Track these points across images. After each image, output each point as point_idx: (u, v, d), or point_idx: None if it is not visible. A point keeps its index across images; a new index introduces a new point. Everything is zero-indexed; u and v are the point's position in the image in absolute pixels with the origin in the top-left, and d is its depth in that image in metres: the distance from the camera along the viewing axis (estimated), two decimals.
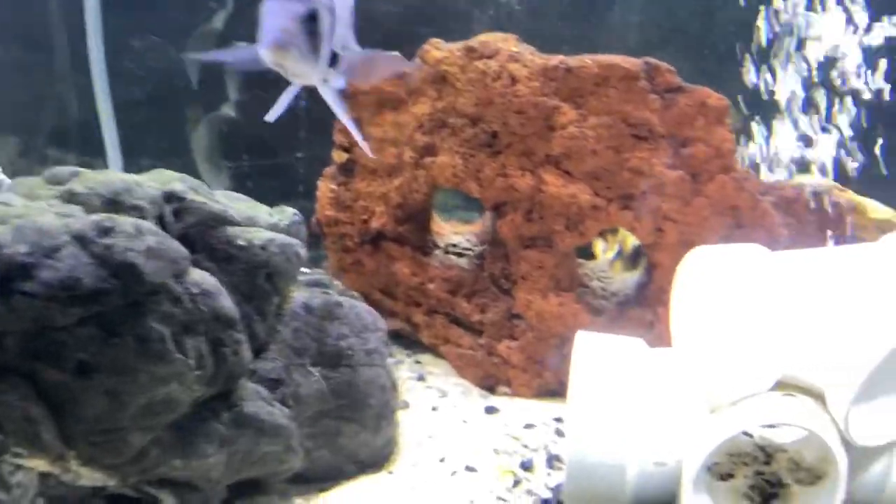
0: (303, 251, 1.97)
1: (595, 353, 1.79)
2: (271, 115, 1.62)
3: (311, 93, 1.57)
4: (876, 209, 2.47)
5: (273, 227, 1.98)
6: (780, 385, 1.62)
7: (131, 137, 3.58)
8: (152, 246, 1.63)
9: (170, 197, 1.80)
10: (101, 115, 3.39)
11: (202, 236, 1.83)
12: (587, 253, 2.88)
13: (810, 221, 2.35)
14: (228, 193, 2.04)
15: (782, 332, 1.60)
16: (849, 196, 2.48)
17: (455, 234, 2.80)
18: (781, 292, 1.61)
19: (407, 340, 2.68)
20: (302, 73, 1.41)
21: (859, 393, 1.54)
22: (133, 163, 3.49)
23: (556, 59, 2.32)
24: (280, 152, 3.70)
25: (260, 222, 1.95)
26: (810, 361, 1.59)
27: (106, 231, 1.59)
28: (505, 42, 2.39)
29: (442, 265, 2.59)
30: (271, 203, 2.10)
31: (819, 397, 1.60)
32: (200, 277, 1.71)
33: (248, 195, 2.08)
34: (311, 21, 1.35)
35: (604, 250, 3.01)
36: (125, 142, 3.56)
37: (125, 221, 1.62)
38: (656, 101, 2.29)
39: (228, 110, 3.63)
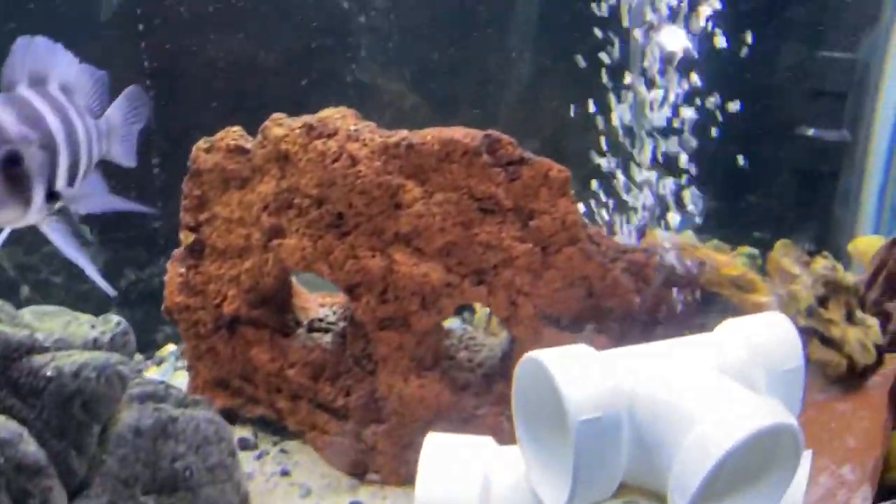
0: (127, 368, 1.78)
1: (440, 458, 1.65)
2: None
3: None
4: (729, 265, 2.43)
5: (92, 344, 1.78)
6: (623, 490, 1.52)
7: None
8: None
9: None
10: None
11: (4, 370, 1.62)
12: None
13: (662, 286, 2.28)
14: (39, 309, 1.83)
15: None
16: (702, 253, 2.42)
17: (322, 306, 2.64)
18: (612, 398, 1.50)
19: (274, 426, 2.50)
20: (9, 222, 1.24)
21: (696, 495, 1.44)
22: None
23: (397, 137, 2.20)
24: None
25: (75, 342, 1.75)
26: (648, 467, 1.49)
27: None
28: (344, 119, 2.25)
29: (303, 347, 2.43)
30: None
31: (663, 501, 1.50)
32: None
33: None
34: (11, 164, 1.17)
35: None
36: None
37: None
38: (500, 174, 2.19)
39: None
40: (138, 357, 3.11)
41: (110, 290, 1.51)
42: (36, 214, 1.28)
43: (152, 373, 2.94)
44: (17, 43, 1.35)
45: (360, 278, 2.21)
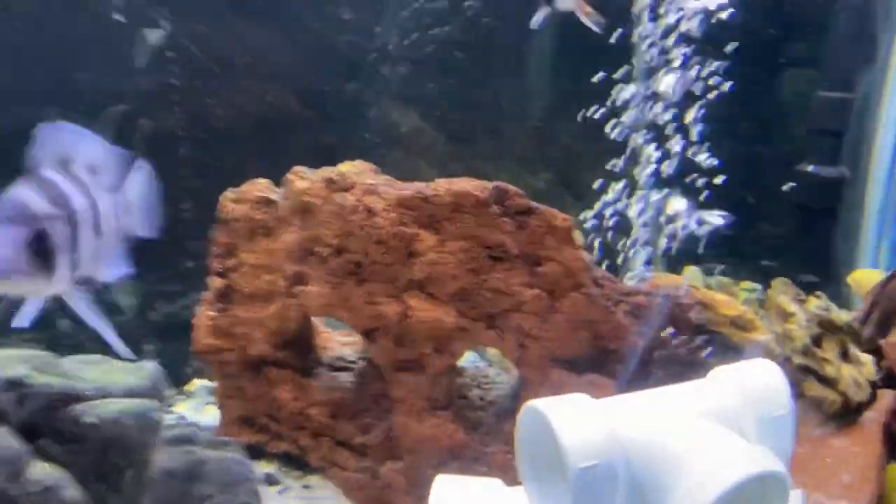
0: (161, 414, 1.88)
1: (447, 501, 1.72)
2: (18, 322, 1.54)
3: None
4: (728, 305, 2.49)
5: (130, 392, 1.88)
6: None
7: None
8: None
9: (10, 385, 1.69)
10: None
11: (48, 419, 1.72)
12: None
13: (663, 327, 2.34)
14: (82, 358, 1.94)
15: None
16: (702, 294, 2.49)
17: (343, 345, 2.73)
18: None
19: (297, 461, 2.58)
20: (36, 292, 1.34)
21: None
22: None
23: (411, 189, 2.30)
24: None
25: (114, 390, 1.85)
26: None
27: None
28: (362, 173, 2.35)
29: (325, 387, 2.52)
30: None
31: None
32: (42, 472, 1.61)
33: None
34: (37, 240, 1.28)
35: None
36: None
37: None
38: (508, 223, 2.28)
39: None
40: (169, 392, 3.21)
41: (131, 355, 1.61)
42: (61, 285, 1.38)
43: (183, 408, 3.04)
44: (41, 129, 1.46)
45: (377, 323, 2.30)
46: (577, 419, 1.56)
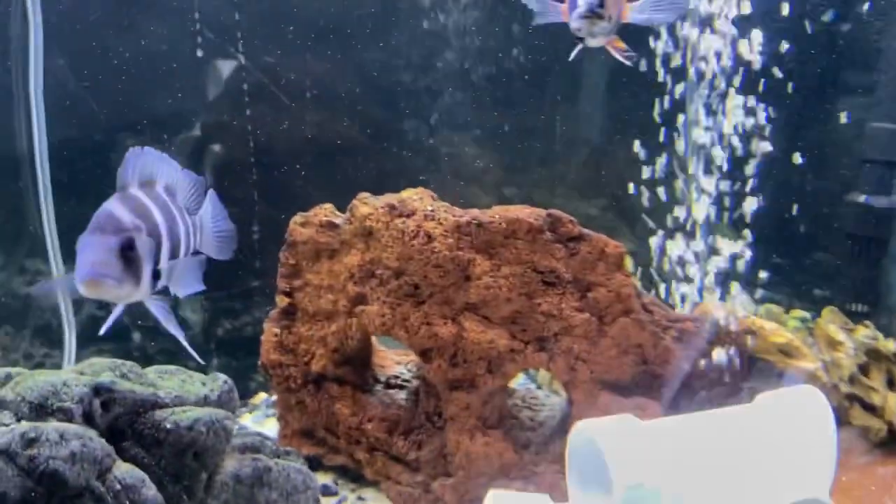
0: (232, 422, 1.99)
1: None
2: (104, 330, 1.68)
3: None
4: (776, 333, 2.51)
5: (203, 401, 1.99)
6: None
7: None
8: (75, 451, 1.64)
9: (98, 390, 1.82)
10: None
11: (130, 424, 1.84)
12: None
13: (711, 353, 2.38)
14: (161, 369, 2.06)
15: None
16: (750, 322, 2.51)
17: (398, 364, 2.82)
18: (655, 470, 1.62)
19: (353, 473, 2.67)
20: (123, 297, 1.47)
21: None
22: None
23: (468, 216, 2.38)
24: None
25: (189, 399, 1.96)
26: None
27: (30, 442, 1.61)
28: (421, 200, 2.45)
29: (381, 403, 2.60)
30: None
31: None
32: (125, 472, 1.72)
33: None
34: (127, 249, 1.41)
35: None
36: None
37: (49, 429, 1.64)
38: (561, 249, 2.34)
39: None
40: None
41: (201, 361, 1.73)
42: (144, 292, 1.52)
43: (246, 419, 3.16)
44: (129, 152, 1.62)
45: (433, 343, 2.38)
46: (624, 440, 1.62)
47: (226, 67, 3.79)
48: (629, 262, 3.10)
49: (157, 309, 1.63)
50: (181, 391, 1.97)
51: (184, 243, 1.65)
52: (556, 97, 4.42)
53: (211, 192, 1.95)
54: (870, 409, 2.38)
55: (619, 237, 3.69)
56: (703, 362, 2.37)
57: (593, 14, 1.59)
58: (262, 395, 3.36)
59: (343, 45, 3.99)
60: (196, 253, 1.85)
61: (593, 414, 2.33)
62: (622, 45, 1.77)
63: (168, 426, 1.86)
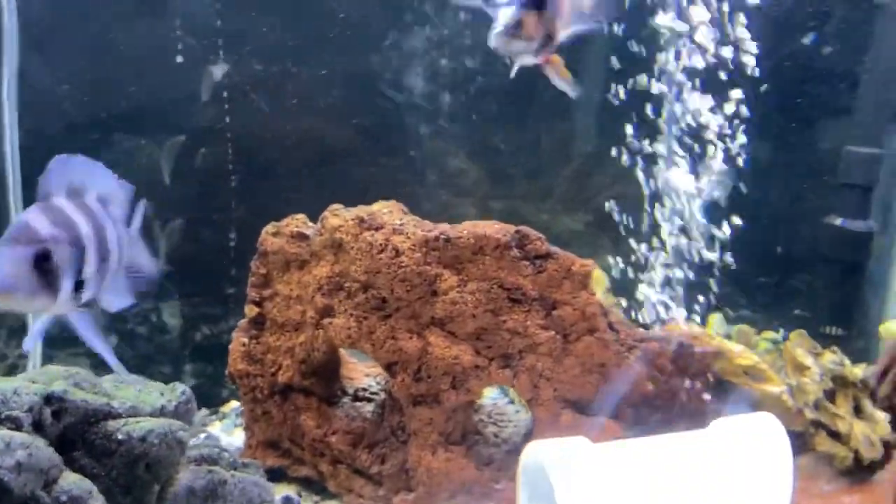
0: (187, 434, 1.95)
1: None
2: (26, 346, 1.63)
3: None
4: (742, 355, 2.49)
5: (159, 412, 1.96)
6: None
7: None
8: (21, 460, 1.61)
9: (49, 399, 1.79)
10: None
11: (82, 434, 1.81)
12: None
13: (675, 374, 2.35)
14: (118, 378, 2.03)
15: None
16: (717, 343, 2.49)
17: (367, 376, 2.79)
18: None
19: (317, 486, 2.64)
20: (38, 309, 1.42)
21: None
22: None
23: (436, 231, 2.36)
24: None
25: (144, 409, 1.93)
26: None
27: None
28: (391, 214, 2.43)
29: (346, 416, 2.57)
30: None
31: None
32: (72, 483, 1.69)
33: None
34: (41, 260, 1.36)
35: None
36: None
37: None
38: (528, 266, 2.32)
39: None
40: (204, 411, 3.30)
41: (125, 371, 1.65)
42: (63, 305, 1.46)
43: (216, 427, 3.13)
44: (54, 160, 1.54)
45: (398, 358, 2.36)
46: (573, 463, 1.59)
47: (217, 72, 3.76)
48: (604, 280, 3.08)
49: (78, 321, 1.56)
50: (136, 401, 1.94)
51: (116, 255, 1.58)
52: (544, 110, 4.41)
53: (141, 201, 1.86)
54: (835, 436, 2.36)
55: (601, 252, 3.68)
56: (667, 382, 2.34)
57: (507, 35, 1.53)
58: (234, 404, 3.32)
59: (332, 53, 3.97)
60: (130, 266, 1.76)
61: (556, 432, 2.30)
62: (567, 73, 1.71)
63: (120, 437, 1.82)
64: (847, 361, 2.45)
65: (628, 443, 1.72)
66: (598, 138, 4.44)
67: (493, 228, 2.35)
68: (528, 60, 1.65)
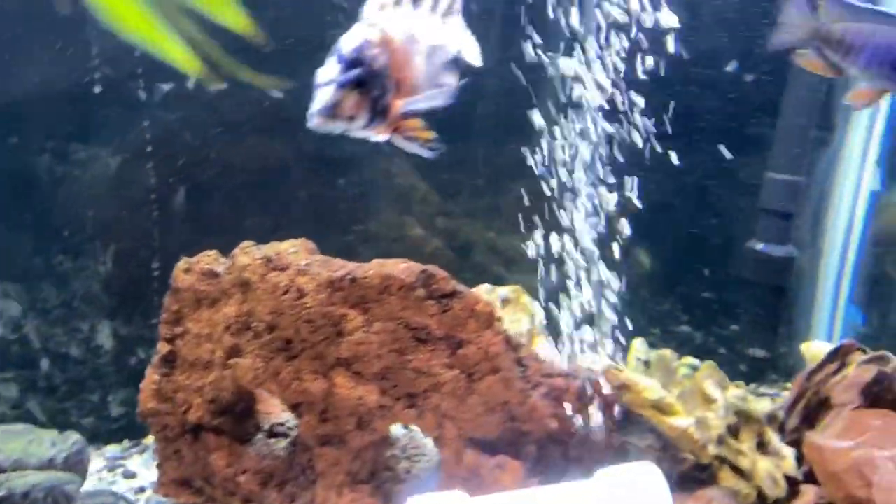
0: (75, 486, 1.91)
1: None
2: None
3: None
4: (649, 388, 2.49)
5: (48, 464, 1.92)
6: None
7: None
8: None
9: None
10: None
11: None
12: None
13: (580, 410, 2.36)
14: (8, 429, 1.99)
15: None
16: (625, 377, 2.49)
17: (284, 410, 2.75)
18: None
19: None
20: None
21: None
22: None
23: (342, 271, 2.34)
24: None
25: (31, 462, 1.89)
26: None
27: None
28: (297, 254, 2.41)
29: (258, 455, 2.55)
30: None
31: None
32: None
33: None
34: None
35: None
36: None
37: None
38: (433, 306, 2.31)
39: None
40: (126, 443, 3.26)
41: None
42: None
43: (135, 461, 3.08)
44: None
45: (303, 399, 2.33)
46: None
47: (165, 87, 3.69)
48: (531, 307, 3.06)
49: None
50: (24, 454, 1.90)
51: None
52: (493, 126, 4.40)
53: None
54: (739, 471, 2.37)
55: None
56: (572, 419, 2.35)
57: (324, 116, 1.47)
58: None
59: (277, 68, 3.92)
60: None
61: (458, 471, 2.31)
62: (426, 134, 1.66)
63: (1, 493, 1.78)
64: (751, 396, 2.47)
65: (507, 495, 1.72)
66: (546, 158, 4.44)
67: (399, 268, 2.33)
68: (363, 134, 1.60)
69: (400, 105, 1.56)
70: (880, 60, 1.84)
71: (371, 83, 1.49)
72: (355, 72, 1.47)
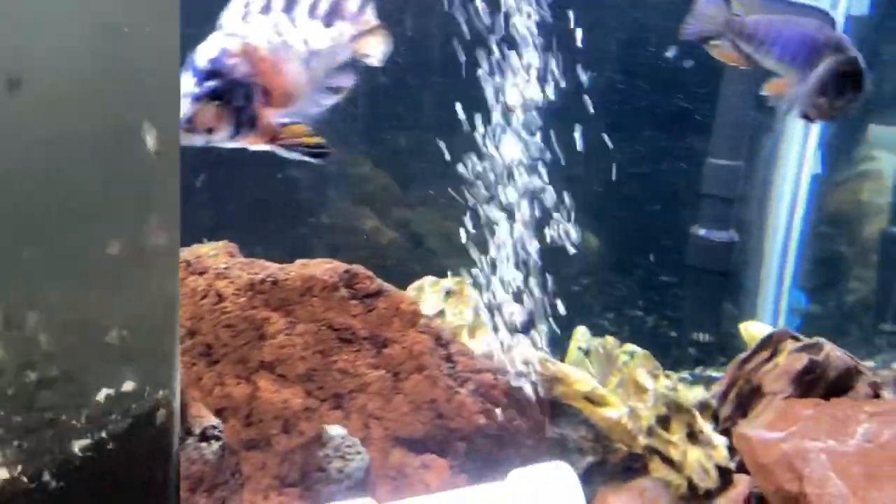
0: None
1: None
2: None
3: None
4: (581, 380, 2.46)
5: None
6: None
7: None
8: None
9: None
10: None
11: None
12: None
13: (510, 405, 2.32)
14: None
15: None
16: (555, 369, 2.46)
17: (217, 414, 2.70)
18: None
19: None
20: None
21: None
22: None
23: (263, 273, 2.29)
24: None
25: None
26: None
27: None
28: (216, 257, 2.34)
29: (187, 460, 2.47)
30: None
31: None
32: None
33: None
34: None
35: None
36: None
37: None
38: (357, 306, 2.27)
39: None
40: None
41: None
42: None
43: None
44: None
45: (227, 404, 2.28)
46: None
47: None
48: (471, 299, 3.02)
49: None
50: None
51: None
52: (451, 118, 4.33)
53: None
54: (670, 462, 2.35)
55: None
56: (501, 414, 2.31)
57: (182, 129, 1.38)
58: None
59: None
60: None
61: (386, 471, 2.26)
62: (311, 139, 1.55)
63: None
64: (681, 386, 2.46)
65: (420, 500, 1.69)
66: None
67: (322, 269, 2.29)
68: (233, 145, 1.51)
69: (271, 114, 1.48)
70: (792, 53, 1.81)
71: (231, 93, 1.41)
72: (210, 84, 1.39)
